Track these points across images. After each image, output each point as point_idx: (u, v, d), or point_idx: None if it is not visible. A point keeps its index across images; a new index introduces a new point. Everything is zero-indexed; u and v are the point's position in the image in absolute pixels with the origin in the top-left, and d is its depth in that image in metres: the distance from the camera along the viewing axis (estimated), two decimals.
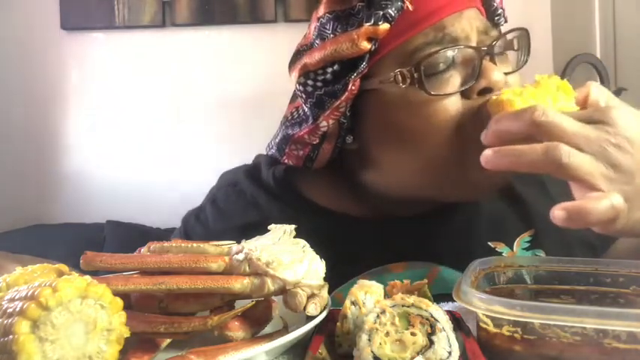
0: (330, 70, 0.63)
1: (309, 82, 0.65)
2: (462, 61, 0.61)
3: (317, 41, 0.66)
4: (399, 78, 0.60)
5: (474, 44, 0.61)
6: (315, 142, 0.68)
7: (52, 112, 2.00)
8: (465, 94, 0.61)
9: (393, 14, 0.60)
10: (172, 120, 1.99)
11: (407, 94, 0.61)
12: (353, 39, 0.60)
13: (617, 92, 2.00)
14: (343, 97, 0.62)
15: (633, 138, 0.48)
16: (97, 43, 2.00)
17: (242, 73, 1.95)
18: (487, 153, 0.51)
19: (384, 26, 0.60)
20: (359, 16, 0.61)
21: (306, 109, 0.67)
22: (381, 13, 0.59)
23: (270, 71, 1.91)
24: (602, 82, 2.08)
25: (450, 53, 0.60)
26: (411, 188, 0.67)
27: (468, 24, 0.62)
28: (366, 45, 0.60)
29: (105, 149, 1.99)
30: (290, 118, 0.72)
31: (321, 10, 0.66)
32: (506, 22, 0.70)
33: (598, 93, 0.55)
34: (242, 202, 0.79)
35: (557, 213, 0.47)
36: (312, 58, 0.64)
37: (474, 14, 0.63)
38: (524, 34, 0.66)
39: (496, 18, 0.68)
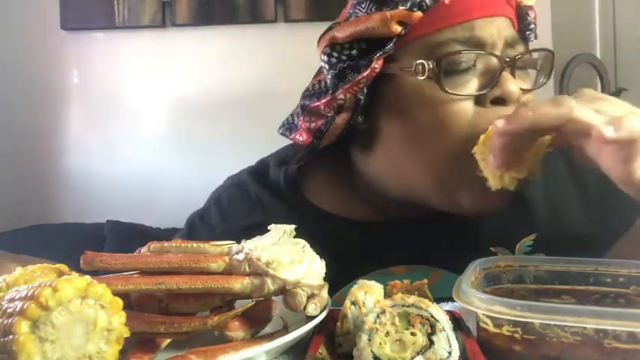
0: (357, 45, 0.64)
1: (335, 53, 0.65)
2: (483, 67, 0.62)
3: (351, 18, 0.66)
4: (420, 69, 0.61)
5: (498, 53, 0.62)
6: (329, 115, 0.68)
7: (52, 112, 2.00)
8: (478, 101, 0.61)
9: (428, 3, 0.60)
10: (172, 120, 1.99)
11: (423, 87, 0.62)
12: (386, 19, 0.61)
13: (617, 92, 2.00)
14: (365, 74, 0.62)
15: (615, 100, 0.52)
16: (97, 43, 2.00)
17: (242, 73, 1.95)
18: (499, 122, 0.52)
19: (418, 13, 0.60)
20: None
21: (328, 81, 0.68)
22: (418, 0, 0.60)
23: (270, 71, 1.91)
24: (602, 82, 2.08)
25: (473, 56, 0.61)
26: (409, 185, 0.67)
27: (497, 32, 0.62)
28: (397, 27, 0.60)
29: (105, 149, 1.99)
30: (311, 89, 0.73)
31: None
32: (536, 38, 0.70)
33: None
34: (247, 203, 0.79)
35: (579, 141, 0.50)
36: (343, 32, 0.64)
37: (505, 24, 0.64)
38: (549, 57, 0.67)
39: (527, 32, 0.69)
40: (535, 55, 0.67)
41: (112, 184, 1.96)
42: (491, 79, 0.61)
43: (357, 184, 0.74)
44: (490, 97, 0.61)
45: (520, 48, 0.64)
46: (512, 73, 0.62)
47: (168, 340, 0.47)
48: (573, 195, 0.75)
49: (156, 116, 1.99)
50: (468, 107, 0.61)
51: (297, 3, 1.93)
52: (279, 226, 0.55)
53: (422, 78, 0.61)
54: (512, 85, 0.60)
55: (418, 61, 0.61)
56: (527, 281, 0.55)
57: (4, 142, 1.95)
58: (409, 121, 0.64)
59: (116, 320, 0.38)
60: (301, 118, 0.72)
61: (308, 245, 0.51)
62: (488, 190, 0.61)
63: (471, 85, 0.61)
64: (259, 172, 0.82)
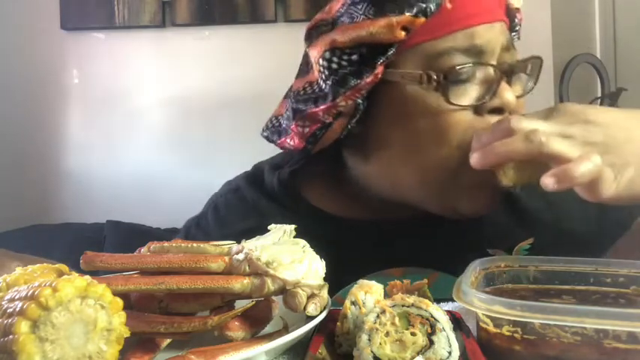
0: (359, 50, 0.63)
1: (335, 59, 0.64)
2: (482, 77, 0.62)
3: (343, 19, 0.65)
4: (425, 79, 0.61)
5: (494, 61, 0.63)
6: (328, 121, 0.66)
7: (52, 111, 2.00)
8: (477, 110, 0.62)
9: (432, 9, 0.60)
10: (172, 120, 1.99)
11: (425, 97, 0.62)
12: (392, 25, 0.60)
13: (617, 92, 2.00)
14: (369, 80, 0.62)
15: (594, 117, 0.55)
16: (97, 43, 2.00)
17: (242, 73, 1.95)
18: (474, 155, 0.56)
19: (421, 19, 0.60)
20: (397, 3, 0.61)
21: (325, 86, 0.66)
22: (424, 5, 0.60)
23: (270, 71, 1.91)
24: (602, 82, 2.08)
25: (472, 68, 0.61)
26: (405, 190, 0.67)
27: (495, 38, 0.63)
28: (401, 33, 0.60)
29: (105, 149, 1.99)
30: (302, 93, 0.69)
31: None
32: (518, 38, 0.71)
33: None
34: (243, 209, 0.79)
35: (546, 180, 0.52)
36: (344, 36, 0.63)
37: (502, 29, 0.64)
38: (537, 63, 0.68)
39: (513, 34, 0.69)
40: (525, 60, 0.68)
41: (112, 184, 1.96)
42: (490, 88, 0.62)
43: (352, 186, 0.74)
44: (489, 107, 0.62)
45: (514, 52, 0.65)
46: (509, 82, 0.63)
47: (168, 340, 0.47)
48: (570, 197, 0.75)
49: (156, 116, 1.99)
50: (466, 116, 0.62)
51: (297, 3, 1.93)
52: (279, 226, 0.55)
53: (425, 88, 0.61)
54: (510, 94, 0.62)
55: (424, 71, 0.61)
56: (527, 281, 0.55)
57: (4, 142, 1.96)
58: (408, 128, 0.64)
59: (116, 320, 0.38)
60: (293, 123, 0.69)
61: (308, 245, 0.51)
62: (487, 194, 0.63)
63: (471, 95, 0.62)
64: (255, 177, 0.82)
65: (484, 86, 0.62)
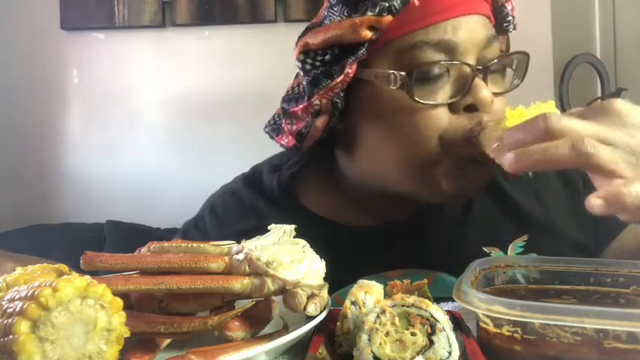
0: (330, 52, 0.64)
1: (309, 60, 0.66)
2: (456, 74, 0.62)
3: (326, 21, 0.66)
4: (392, 78, 0.61)
5: (471, 57, 0.62)
6: (307, 119, 0.68)
7: (52, 112, 2.00)
8: (452, 108, 0.62)
9: (397, 7, 0.60)
10: (172, 120, 1.99)
11: (396, 96, 0.62)
12: (355, 25, 0.61)
13: (617, 92, 2.00)
14: (339, 80, 0.63)
15: (637, 120, 0.49)
16: (97, 43, 2.00)
17: (242, 73, 1.95)
18: (509, 156, 0.50)
19: (388, 18, 0.60)
20: (365, 3, 0.61)
21: (304, 87, 0.68)
22: (387, 4, 0.59)
23: (270, 71, 1.91)
24: (602, 82, 2.08)
25: (443, 65, 0.61)
26: (390, 183, 0.68)
27: (470, 34, 0.61)
28: (367, 33, 0.60)
29: (105, 149, 1.99)
30: (290, 92, 0.73)
31: None
32: (514, 29, 0.70)
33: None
34: (241, 210, 0.79)
35: (595, 201, 0.47)
36: (315, 38, 0.64)
37: (480, 22, 0.63)
38: (524, 58, 0.67)
39: (505, 24, 0.68)
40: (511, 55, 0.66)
41: (112, 184, 1.96)
42: (462, 86, 0.61)
43: (346, 187, 0.75)
44: (463, 104, 0.61)
45: (496, 45, 0.64)
46: (485, 79, 0.62)
47: (168, 340, 0.47)
48: (563, 195, 0.75)
49: (156, 116, 1.99)
50: (441, 114, 0.61)
51: (297, 3, 1.93)
52: (279, 226, 0.55)
53: (394, 87, 0.61)
54: (485, 91, 0.60)
55: (390, 72, 0.61)
56: (527, 281, 0.55)
57: (4, 142, 1.96)
58: (385, 126, 0.65)
59: (116, 320, 0.38)
60: (284, 121, 0.72)
61: (308, 245, 0.51)
62: (466, 174, 0.62)
63: (444, 93, 0.61)
64: (253, 179, 0.82)
65: (456, 83, 0.61)
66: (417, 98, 0.60)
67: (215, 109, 1.97)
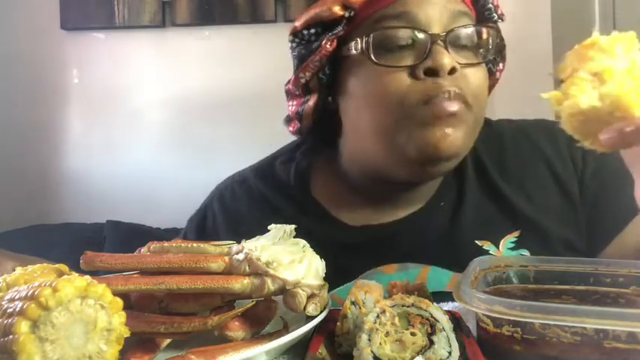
0: (312, 31, 0.70)
1: (296, 39, 0.72)
2: (415, 44, 0.65)
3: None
4: (357, 46, 0.66)
5: (435, 29, 0.65)
6: (297, 93, 0.74)
7: (52, 112, 2.00)
8: (413, 74, 0.64)
9: None
10: (172, 120, 1.99)
11: (362, 62, 0.67)
12: (328, 3, 0.68)
13: None
14: (317, 53, 0.68)
15: None
16: (97, 43, 1.99)
17: (242, 73, 1.95)
18: (611, 134, 0.46)
19: None
20: None
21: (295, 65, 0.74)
22: None
23: (270, 71, 1.91)
24: None
25: (402, 33, 0.65)
26: (370, 156, 0.70)
27: (432, 7, 0.65)
28: (338, 10, 0.67)
29: (105, 149, 1.99)
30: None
31: None
32: (500, 19, 0.71)
33: None
34: (249, 200, 0.81)
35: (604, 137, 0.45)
36: (300, 20, 0.72)
37: (449, 0, 0.65)
38: (493, 32, 0.69)
39: (486, 13, 0.70)
40: (478, 30, 0.67)
41: (112, 184, 1.96)
42: (421, 52, 0.64)
43: (345, 174, 0.77)
44: (422, 68, 0.63)
45: (466, 20, 0.66)
46: (446, 47, 0.64)
47: (168, 340, 0.47)
48: (554, 193, 0.75)
49: (156, 116, 1.99)
50: (402, 79, 0.64)
51: (297, 3, 1.93)
52: (279, 225, 0.55)
53: (357, 53, 0.66)
54: (444, 57, 0.63)
55: (355, 39, 0.66)
56: (527, 281, 0.55)
57: (4, 142, 1.95)
58: (359, 97, 0.69)
59: (116, 320, 0.38)
60: (287, 104, 0.77)
61: (308, 245, 0.51)
62: (429, 137, 0.63)
63: (405, 60, 0.65)
64: (263, 169, 0.84)
65: (417, 52, 0.64)
66: (375, 60, 0.64)
67: (215, 109, 1.96)
